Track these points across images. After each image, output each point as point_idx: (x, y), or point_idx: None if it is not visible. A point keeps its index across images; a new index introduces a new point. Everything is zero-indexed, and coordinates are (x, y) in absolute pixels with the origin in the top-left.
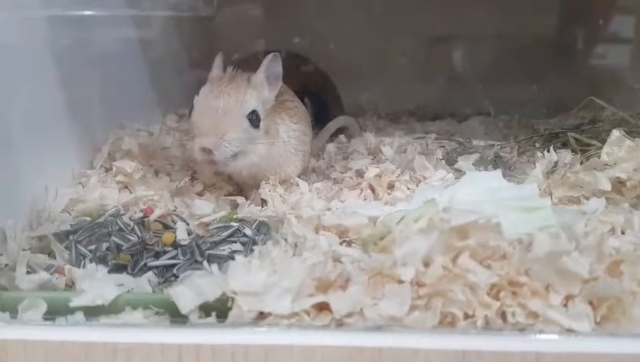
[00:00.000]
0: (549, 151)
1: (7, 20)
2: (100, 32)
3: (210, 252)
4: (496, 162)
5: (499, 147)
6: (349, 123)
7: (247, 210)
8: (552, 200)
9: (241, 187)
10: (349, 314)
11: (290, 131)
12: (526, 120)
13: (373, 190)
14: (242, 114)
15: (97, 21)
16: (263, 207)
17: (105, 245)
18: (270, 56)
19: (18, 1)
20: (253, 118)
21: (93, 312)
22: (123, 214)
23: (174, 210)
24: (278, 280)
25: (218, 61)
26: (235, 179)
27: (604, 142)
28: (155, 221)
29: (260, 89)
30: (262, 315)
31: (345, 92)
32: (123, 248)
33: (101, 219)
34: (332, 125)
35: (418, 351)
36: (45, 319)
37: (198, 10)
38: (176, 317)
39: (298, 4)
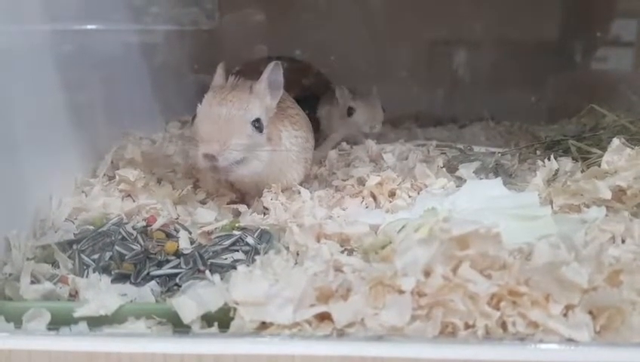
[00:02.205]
0: (549, 159)
1: (10, 30)
2: (103, 40)
3: (212, 261)
4: (497, 170)
5: (500, 154)
6: None
7: (250, 218)
8: (552, 208)
9: (244, 195)
10: (350, 324)
11: (292, 138)
12: (528, 126)
13: (374, 198)
14: (246, 120)
15: (100, 30)
16: (265, 215)
17: (108, 254)
18: (272, 64)
19: (22, 11)
20: (257, 125)
21: (96, 322)
22: (126, 223)
23: (177, 219)
24: (279, 290)
25: (220, 70)
26: (237, 186)
27: (605, 149)
28: (158, 230)
29: (263, 97)
30: (264, 325)
31: None
32: (126, 257)
33: (104, 228)
34: (336, 135)
35: (419, 360)
36: (49, 329)
37: (200, 24)
38: (178, 327)
39: (298, 12)
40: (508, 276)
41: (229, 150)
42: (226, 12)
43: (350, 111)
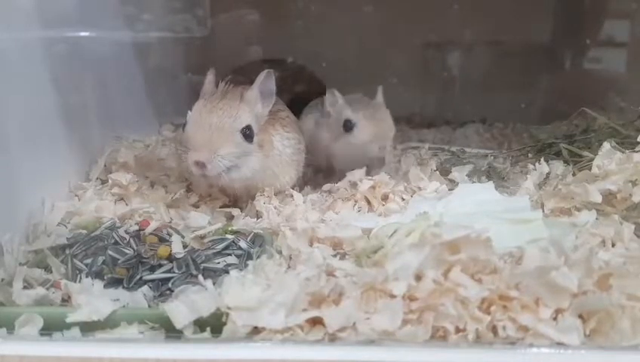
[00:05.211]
0: (540, 163)
1: (3, 34)
2: (97, 45)
3: (205, 265)
4: (490, 173)
5: (492, 157)
6: None
7: (243, 221)
8: (543, 211)
9: (236, 198)
10: (342, 329)
11: (285, 140)
12: (521, 126)
13: (367, 201)
14: (236, 128)
15: (94, 35)
16: (258, 218)
17: (101, 259)
18: (264, 73)
19: (16, 15)
20: (247, 133)
21: (89, 327)
22: (119, 227)
23: (170, 222)
24: (271, 295)
25: (210, 76)
26: (229, 191)
27: (596, 151)
28: (151, 234)
29: (254, 104)
30: (256, 330)
31: None
32: (119, 262)
33: (97, 232)
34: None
35: None
36: (42, 334)
37: (193, 30)
38: (171, 332)
39: (291, 16)
40: (498, 280)
41: (218, 158)
42: (218, 18)
43: (348, 126)
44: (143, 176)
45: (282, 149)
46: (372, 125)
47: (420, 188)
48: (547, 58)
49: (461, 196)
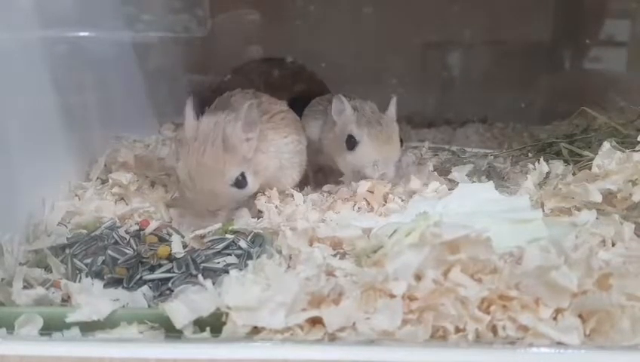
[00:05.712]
0: (540, 162)
1: (3, 34)
2: (97, 45)
3: (204, 265)
4: (490, 173)
5: (492, 157)
6: None
7: (243, 221)
8: (543, 211)
9: None
10: (342, 329)
11: (282, 146)
12: (521, 126)
13: (367, 201)
14: (226, 184)
15: (94, 35)
16: (258, 218)
17: (101, 258)
18: (245, 106)
19: (16, 15)
20: (239, 180)
21: (89, 327)
22: (119, 227)
23: (170, 222)
24: (271, 294)
25: (189, 108)
26: None
27: (596, 151)
28: (151, 234)
29: (239, 148)
30: (256, 330)
31: None
32: (119, 261)
33: (97, 232)
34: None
35: None
36: (41, 334)
37: (192, 30)
38: (171, 331)
39: (291, 16)
40: (498, 280)
41: (219, 215)
42: (218, 18)
43: (351, 143)
44: (143, 176)
45: (281, 155)
46: (375, 147)
47: (419, 189)
48: (547, 58)
49: (461, 196)
